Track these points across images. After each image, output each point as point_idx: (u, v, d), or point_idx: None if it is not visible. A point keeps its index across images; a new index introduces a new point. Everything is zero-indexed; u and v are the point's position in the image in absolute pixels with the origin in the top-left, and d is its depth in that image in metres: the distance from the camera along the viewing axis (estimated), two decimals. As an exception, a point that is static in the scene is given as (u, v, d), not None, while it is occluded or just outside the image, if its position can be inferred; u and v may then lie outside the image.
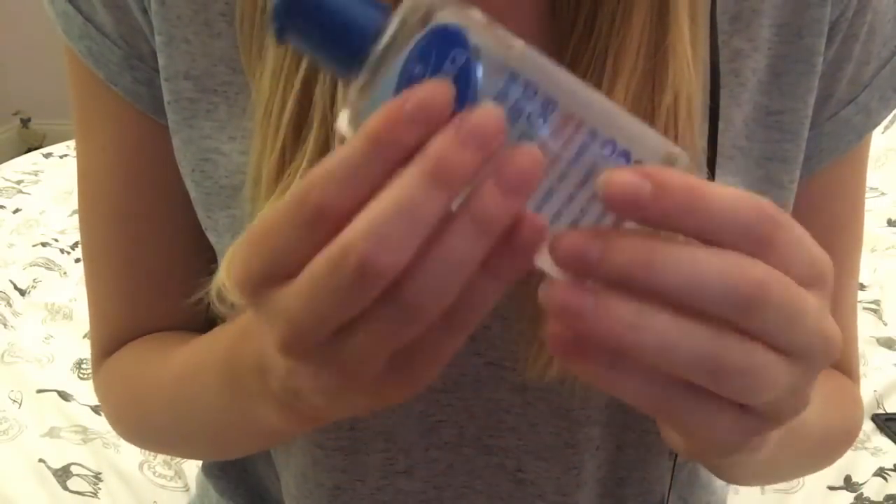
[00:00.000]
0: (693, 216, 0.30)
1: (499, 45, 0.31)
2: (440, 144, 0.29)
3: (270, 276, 0.32)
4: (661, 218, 0.30)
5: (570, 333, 0.32)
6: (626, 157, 0.31)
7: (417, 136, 0.29)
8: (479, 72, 0.31)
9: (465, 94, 0.30)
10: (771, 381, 0.32)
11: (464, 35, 0.31)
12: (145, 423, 0.62)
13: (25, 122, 3.53)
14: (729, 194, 0.30)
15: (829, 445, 0.62)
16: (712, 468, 0.58)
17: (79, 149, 0.59)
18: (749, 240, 0.31)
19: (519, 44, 0.32)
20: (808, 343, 0.32)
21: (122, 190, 0.57)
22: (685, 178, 0.30)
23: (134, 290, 0.60)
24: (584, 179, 0.31)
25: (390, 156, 0.30)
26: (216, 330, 0.52)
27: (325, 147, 0.47)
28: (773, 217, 0.31)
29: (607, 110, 0.32)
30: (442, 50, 0.30)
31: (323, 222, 0.30)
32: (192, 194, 0.55)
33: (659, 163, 0.32)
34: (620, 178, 0.30)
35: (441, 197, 0.29)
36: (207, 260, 0.56)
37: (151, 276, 0.59)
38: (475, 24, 0.31)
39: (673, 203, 0.30)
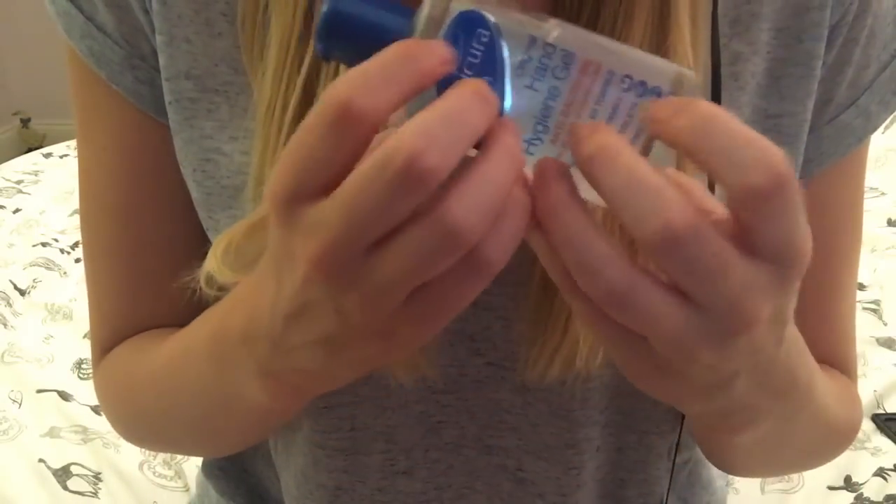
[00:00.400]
0: (707, 140, 0.32)
1: (513, 18, 0.35)
2: (479, 82, 0.32)
3: (304, 190, 0.32)
4: (678, 136, 0.32)
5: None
6: (644, 85, 0.35)
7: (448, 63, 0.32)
8: (504, 45, 0.35)
9: (493, 66, 0.34)
10: (717, 270, 0.32)
11: (484, 16, 0.35)
12: (140, 417, 0.62)
13: (25, 122, 3.53)
14: (750, 135, 0.32)
15: (834, 436, 0.62)
16: (714, 453, 0.58)
17: (80, 148, 0.59)
18: (746, 190, 0.31)
19: (530, 14, 0.36)
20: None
21: (124, 189, 0.57)
22: (715, 109, 0.32)
23: (135, 289, 0.60)
24: (612, 113, 0.35)
25: (424, 67, 0.31)
26: (203, 313, 0.52)
27: None
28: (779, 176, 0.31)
29: (618, 50, 0.36)
30: (468, 32, 0.34)
31: (356, 124, 0.31)
32: (194, 194, 0.55)
33: (670, 84, 0.35)
34: (657, 103, 0.33)
35: (488, 110, 0.32)
36: None
37: (152, 274, 0.59)
38: (489, 5, 0.35)
39: (690, 122, 0.32)
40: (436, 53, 0.32)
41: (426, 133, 0.30)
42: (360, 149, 0.32)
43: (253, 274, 0.43)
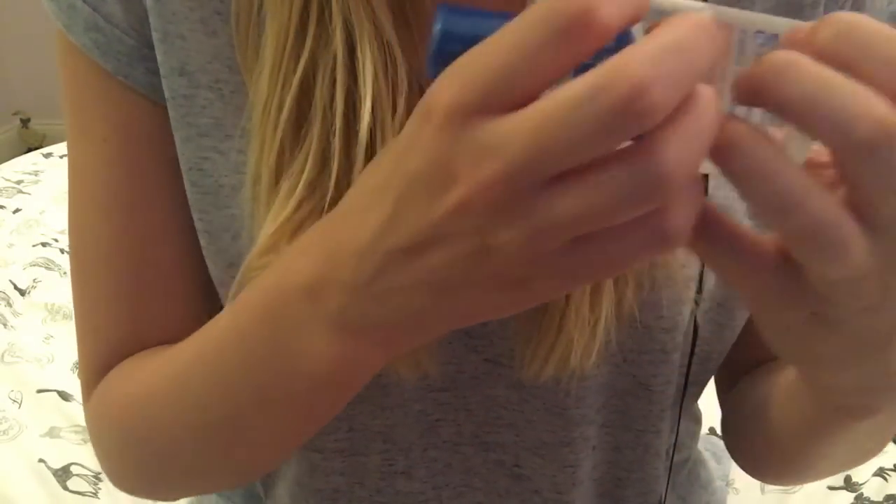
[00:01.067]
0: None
1: None
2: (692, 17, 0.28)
3: (492, 102, 0.29)
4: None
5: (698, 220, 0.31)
6: (776, 38, 0.32)
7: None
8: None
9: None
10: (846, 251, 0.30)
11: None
12: (150, 432, 0.54)
13: (25, 122, 3.53)
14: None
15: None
16: (802, 451, 0.54)
17: (73, 148, 0.58)
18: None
19: None
20: None
21: (126, 181, 0.56)
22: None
23: (139, 293, 0.57)
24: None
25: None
26: (237, 299, 0.46)
27: (326, 146, 0.47)
28: None
29: (745, 14, 0.33)
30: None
31: (591, 36, 0.27)
32: (187, 195, 0.54)
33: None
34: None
35: (714, 48, 0.28)
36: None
37: (157, 277, 0.57)
38: None
39: (833, 30, 0.29)
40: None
41: (657, 62, 0.26)
42: (574, 65, 0.28)
43: (329, 216, 0.38)
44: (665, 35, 0.27)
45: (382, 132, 0.46)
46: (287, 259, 0.41)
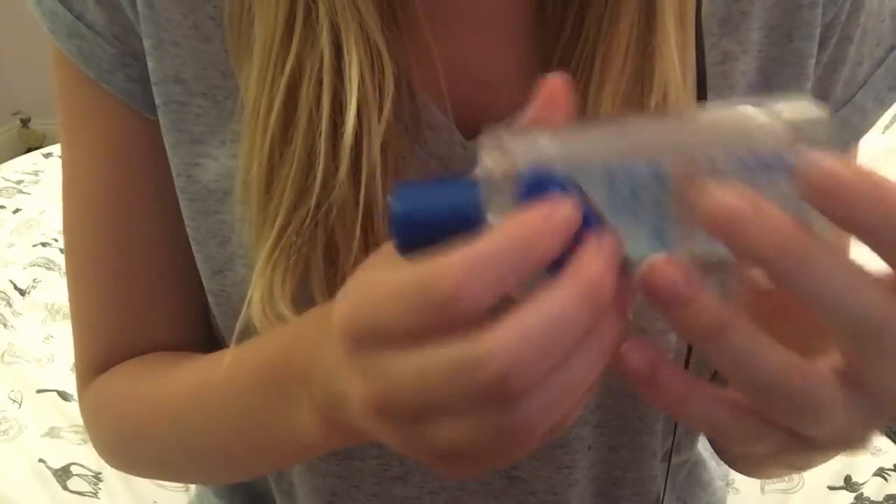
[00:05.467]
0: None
1: (573, 147, 0.31)
2: (595, 265, 0.29)
3: (378, 336, 0.32)
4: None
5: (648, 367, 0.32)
6: (763, 162, 0.30)
7: (558, 247, 0.29)
8: (582, 188, 0.31)
9: (586, 219, 0.31)
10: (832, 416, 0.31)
11: (548, 171, 0.31)
12: (145, 445, 0.58)
13: (25, 122, 3.53)
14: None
15: None
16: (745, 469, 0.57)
17: (65, 154, 0.58)
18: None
19: (593, 131, 0.31)
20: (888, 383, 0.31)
21: (113, 190, 0.56)
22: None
23: (128, 298, 0.58)
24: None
25: (536, 259, 0.29)
26: (249, 343, 0.49)
27: (311, 148, 0.46)
28: None
29: (702, 126, 0.31)
30: (542, 192, 0.31)
31: (454, 310, 0.29)
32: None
33: (790, 140, 0.30)
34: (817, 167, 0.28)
35: (588, 318, 0.29)
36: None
37: (146, 282, 0.57)
38: (546, 146, 0.31)
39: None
40: (554, 240, 0.30)
41: (523, 350, 0.29)
42: (454, 325, 0.30)
43: (314, 316, 0.43)
44: (535, 314, 0.29)
45: (369, 135, 0.46)
46: (289, 337, 0.44)
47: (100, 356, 0.59)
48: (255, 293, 0.47)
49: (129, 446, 0.60)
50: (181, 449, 0.55)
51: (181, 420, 0.53)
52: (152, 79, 0.52)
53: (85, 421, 0.61)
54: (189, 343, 0.58)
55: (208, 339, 0.60)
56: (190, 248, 0.54)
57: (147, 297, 0.58)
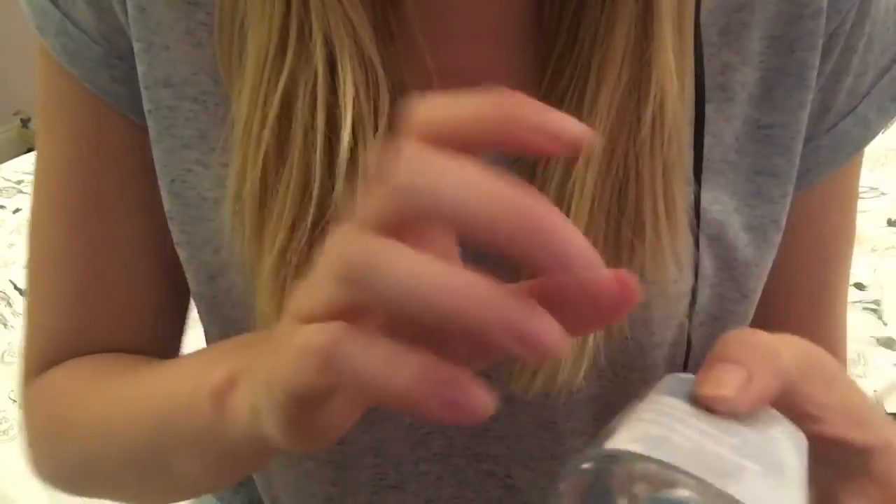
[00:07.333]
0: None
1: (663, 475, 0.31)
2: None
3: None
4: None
5: None
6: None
7: None
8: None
9: None
10: None
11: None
12: (71, 448, 0.56)
13: (25, 122, 3.52)
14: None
15: None
16: None
17: (40, 145, 0.57)
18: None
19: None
20: None
21: (81, 184, 0.55)
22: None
23: (82, 297, 0.57)
24: None
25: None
26: (176, 373, 0.49)
27: (307, 164, 0.46)
28: None
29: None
30: None
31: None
32: (167, 206, 0.53)
33: None
34: None
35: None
36: (178, 282, 0.55)
37: (105, 282, 0.57)
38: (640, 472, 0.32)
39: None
40: None
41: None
42: None
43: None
44: None
45: (365, 150, 0.45)
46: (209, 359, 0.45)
47: (52, 352, 0.58)
48: (266, 309, 0.47)
49: (57, 448, 0.57)
50: (112, 461, 0.53)
51: (120, 438, 0.51)
52: (142, 83, 0.51)
53: (22, 415, 0.60)
54: (150, 345, 0.58)
55: (173, 342, 0.59)
56: (164, 251, 0.54)
57: (105, 297, 0.57)
